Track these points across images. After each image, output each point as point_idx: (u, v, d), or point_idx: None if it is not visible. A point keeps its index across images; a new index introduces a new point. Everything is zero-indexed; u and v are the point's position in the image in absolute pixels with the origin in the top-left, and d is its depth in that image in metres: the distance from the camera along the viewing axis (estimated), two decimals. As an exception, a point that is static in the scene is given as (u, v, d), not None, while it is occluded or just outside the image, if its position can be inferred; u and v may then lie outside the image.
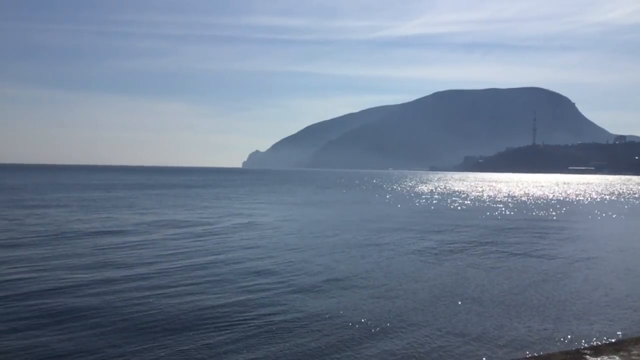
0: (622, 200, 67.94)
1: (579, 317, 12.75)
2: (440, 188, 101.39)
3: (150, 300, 13.39)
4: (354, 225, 31.55)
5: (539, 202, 61.11)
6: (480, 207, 50.67)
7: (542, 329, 11.77)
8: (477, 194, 79.44)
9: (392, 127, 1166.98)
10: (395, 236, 26.86)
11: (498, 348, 10.59)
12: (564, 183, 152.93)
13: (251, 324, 11.65)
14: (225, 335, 10.96)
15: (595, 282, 16.59)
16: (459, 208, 49.54)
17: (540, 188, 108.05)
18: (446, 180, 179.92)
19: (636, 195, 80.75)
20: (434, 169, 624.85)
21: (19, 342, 10.32)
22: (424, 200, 60.43)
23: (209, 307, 12.87)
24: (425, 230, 29.80)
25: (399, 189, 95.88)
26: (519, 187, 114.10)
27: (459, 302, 13.81)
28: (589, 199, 69.98)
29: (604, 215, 43.70)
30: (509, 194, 78.58)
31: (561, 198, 70.46)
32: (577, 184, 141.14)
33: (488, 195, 74.14)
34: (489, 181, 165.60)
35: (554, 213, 45.08)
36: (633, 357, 9.93)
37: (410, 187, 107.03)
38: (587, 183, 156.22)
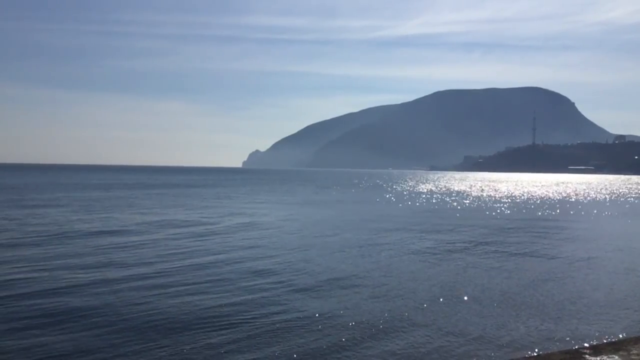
0: (622, 199, 67.95)
1: (579, 317, 12.77)
2: (440, 188, 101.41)
3: (151, 300, 13.40)
4: (354, 225, 31.57)
5: (539, 201, 61.14)
6: (480, 207, 50.70)
7: (541, 329, 11.79)
8: (477, 193, 79.46)
9: (392, 126, 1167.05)
10: (395, 236, 26.88)
11: (498, 348, 10.60)
12: (564, 183, 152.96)
13: (252, 324, 11.66)
14: (225, 335, 10.97)
15: (595, 282, 16.61)
16: (459, 208, 49.55)
17: (540, 188, 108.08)
18: (446, 180, 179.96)
19: (636, 195, 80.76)
20: (434, 168, 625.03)
21: (19, 342, 10.33)
22: (424, 200, 60.45)
23: (210, 307, 12.89)
24: (425, 230, 29.81)
25: (399, 188, 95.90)
26: (518, 186, 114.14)
27: (459, 302, 13.82)
28: (589, 198, 70.00)
29: (603, 215, 43.73)
30: (508, 194, 78.61)
31: (561, 198, 70.48)
32: (577, 184, 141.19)
33: (488, 195, 74.17)
34: (489, 181, 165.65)
35: (553, 213, 45.11)
36: (632, 357, 9.95)
37: (410, 186, 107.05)
38: (587, 183, 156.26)
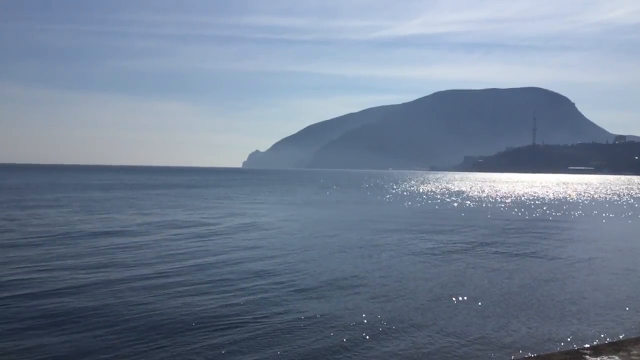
0: (623, 200, 67.96)
1: (580, 318, 12.78)
2: (441, 188, 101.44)
3: (151, 301, 13.42)
4: (354, 226, 31.59)
5: (539, 202, 61.15)
6: (480, 208, 50.72)
7: (542, 329, 11.80)
8: (477, 194, 79.48)
9: (392, 127, 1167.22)
10: (395, 236, 26.89)
11: (499, 348, 10.62)
12: (564, 183, 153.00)
13: (252, 325, 11.67)
14: (226, 336, 10.98)
15: (596, 283, 16.62)
16: (459, 208, 49.57)
17: (540, 188, 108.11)
18: (446, 180, 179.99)
19: (636, 196, 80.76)
20: (434, 169, 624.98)
21: (20, 343, 10.34)
22: (424, 201, 60.47)
23: (210, 308, 12.90)
24: (425, 231, 29.83)
25: (399, 189, 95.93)
26: (518, 187, 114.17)
27: (460, 303, 13.84)
28: (589, 199, 70.01)
29: (604, 215, 43.74)
30: (509, 194, 78.63)
31: (561, 198, 70.49)
32: (577, 184, 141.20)
33: (488, 196, 74.19)
34: (489, 181, 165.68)
35: (554, 213, 45.13)
36: (633, 357, 9.97)
37: (411, 187, 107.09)
38: (587, 183, 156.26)
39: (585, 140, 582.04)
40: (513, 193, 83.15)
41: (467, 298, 14.32)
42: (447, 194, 78.42)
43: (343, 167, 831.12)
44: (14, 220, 30.56)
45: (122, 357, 9.80)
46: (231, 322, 11.85)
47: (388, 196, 69.53)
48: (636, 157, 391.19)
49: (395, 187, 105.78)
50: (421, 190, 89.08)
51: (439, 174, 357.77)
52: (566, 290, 15.50)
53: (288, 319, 12.13)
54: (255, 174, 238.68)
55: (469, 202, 58.30)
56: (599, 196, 76.90)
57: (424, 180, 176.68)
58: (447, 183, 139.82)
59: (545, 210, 48.66)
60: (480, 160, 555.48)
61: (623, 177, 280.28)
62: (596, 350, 10.47)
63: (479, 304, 13.81)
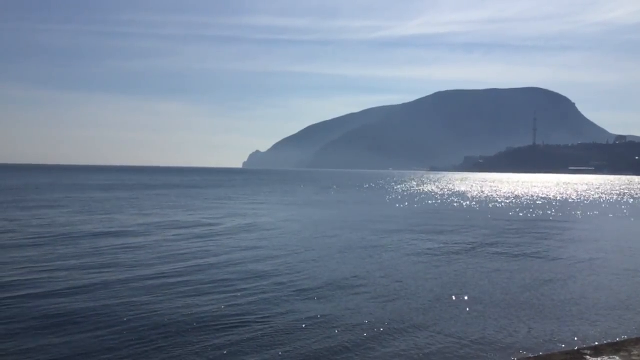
0: (623, 200, 67.94)
1: (580, 318, 12.79)
2: (441, 188, 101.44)
3: (152, 302, 13.42)
4: (355, 226, 31.59)
5: (540, 202, 61.15)
6: (481, 208, 50.72)
7: (543, 330, 11.81)
8: (478, 194, 79.47)
9: (393, 127, 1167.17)
10: (396, 237, 26.90)
11: (500, 349, 10.63)
12: (565, 183, 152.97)
13: (253, 326, 11.68)
14: (227, 337, 10.99)
15: (597, 283, 16.63)
16: (460, 209, 49.57)
17: (540, 188, 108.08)
18: (447, 180, 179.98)
19: (637, 196, 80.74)
20: (434, 169, 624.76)
21: (20, 343, 10.36)
22: (424, 201, 60.47)
23: (211, 309, 12.91)
24: (426, 231, 29.83)
25: (400, 189, 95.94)
26: (519, 187, 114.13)
27: (461, 303, 13.84)
28: (590, 199, 70.00)
29: (605, 216, 43.73)
30: (509, 195, 78.62)
31: (562, 198, 70.48)
32: (578, 185, 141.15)
33: (488, 196, 74.18)
34: (490, 181, 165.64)
35: (554, 214, 45.12)
36: (633, 358, 9.97)
37: (411, 187, 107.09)
38: (588, 183, 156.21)
39: (585, 141, 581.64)
40: (513, 193, 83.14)
41: (468, 298, 14.33)
42: (447, 194, 78.41)
43: (343, 167, 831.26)
44: (15, 221, 30.57)
45: (123, 358, 9.81)
46: (232, 322, 11.86)
47: (388, 197, 69.53)
48: (637, 158, 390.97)
49: (395, 187, 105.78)
50: (421, 191, 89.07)
51: (440, 174, 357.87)
52: (567, 291, 15.51)
53: (289, 320, 12.14)
54: (255, 174, 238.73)
55: (469, 203, 58.30)
56: (600, 196, 76.88)
57: (424, 180, 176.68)
58: (447, 183, 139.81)
59: (546, 210, 48.66)
60: (480, 161, 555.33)
61: (623, 178, 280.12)
62: (597, 351, 10.47)
63: (480, 304, 13.81)
